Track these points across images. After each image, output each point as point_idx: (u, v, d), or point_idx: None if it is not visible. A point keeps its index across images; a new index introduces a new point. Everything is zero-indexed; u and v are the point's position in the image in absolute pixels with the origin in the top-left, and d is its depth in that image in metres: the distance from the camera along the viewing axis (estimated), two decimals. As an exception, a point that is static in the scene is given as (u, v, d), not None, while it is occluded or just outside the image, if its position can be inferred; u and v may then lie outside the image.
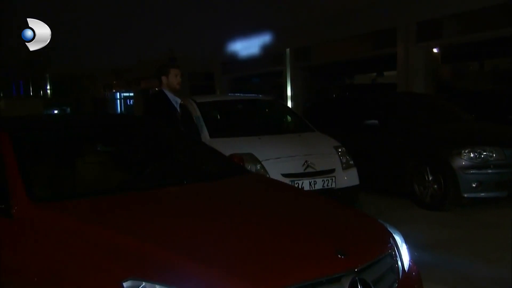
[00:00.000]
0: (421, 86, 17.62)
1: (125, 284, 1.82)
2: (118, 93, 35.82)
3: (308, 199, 2.85)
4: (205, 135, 5.33)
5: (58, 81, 37.52)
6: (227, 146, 5.14)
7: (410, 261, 2.60)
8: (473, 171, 5.38)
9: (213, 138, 5.30)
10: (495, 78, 17.03)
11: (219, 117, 6.08)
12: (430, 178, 5.85)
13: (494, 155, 5.34)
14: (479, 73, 18.17)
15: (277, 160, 5.03)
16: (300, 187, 4.96)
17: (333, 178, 5.07)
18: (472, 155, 5.40)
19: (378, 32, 19.11)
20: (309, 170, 5.03)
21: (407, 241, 2.68)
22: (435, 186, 5.79)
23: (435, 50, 18.28)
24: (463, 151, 5.44)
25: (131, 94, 34.11)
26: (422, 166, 5.95)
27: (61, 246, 2.07)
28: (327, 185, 5.06)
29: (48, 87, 39.27)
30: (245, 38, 26.24)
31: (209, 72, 28.84)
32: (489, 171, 5.33)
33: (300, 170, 5.00)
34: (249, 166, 5.00)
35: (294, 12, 22.25)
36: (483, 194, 5.38)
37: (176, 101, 4.51)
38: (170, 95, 4.47)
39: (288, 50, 23.46)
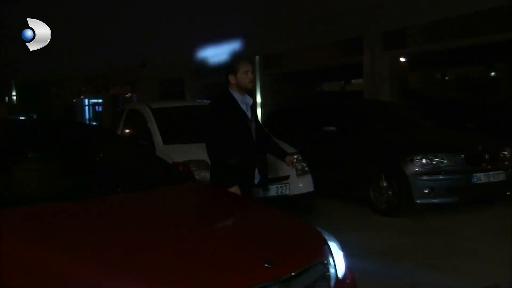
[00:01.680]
0: (387, 93, 17.93)
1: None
2: (86, 100, 35.23)
3: (244, 208, 2.80)
4: (158, 141, 5.24)
5: (25, 87, 36.68)
6: (180, 153, 5.08)
7: (346, 268, 2.58)
8: (425, 178, 5.45)
9: (167, 145, 5.21)
10: (458, 86, 17.52)
11: (174, 123, 5.99)
12: (385, 185, 5.90)
13: (445, 161, 5.43)
14: (442, 81, 18.67)
15: (231, 167, 4.95)
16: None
17: (287, 185, 5.05)
18: (424, 161, 5.48)
19: (345, 41, 19.41)
20: (263, 176, 4.98)
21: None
22: (390, 192, 5.85)
23: (402, 59, 18.69)
24: (415, 158, 5.51)
25: (100, 100, 33.59)
26: (377, 172, 6.00)
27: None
28: (281, 192, 5.03)
29: (14, 93, 38.33)
30: (216, 45, 26.25)
31: (180, 78, 28.70)
32: (441, 177, 5.41)
33: (254, 176, 4.94)
34: (202, 173, 4.94)
35: (263, 20, 22.37)
36: (435, 200, 5.45)
37: (247, 102, 3.83)
38: (238, 96, 3.77)
39: (257, 57, 23.57)
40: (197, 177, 4.79)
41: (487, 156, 5.52)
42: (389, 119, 7.30)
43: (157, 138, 5.27)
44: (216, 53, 26.40)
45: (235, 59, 3.90)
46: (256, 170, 3.78)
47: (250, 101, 3.81)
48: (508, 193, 5.78)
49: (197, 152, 5.11)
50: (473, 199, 5.58)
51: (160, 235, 2.17)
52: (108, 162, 3.13)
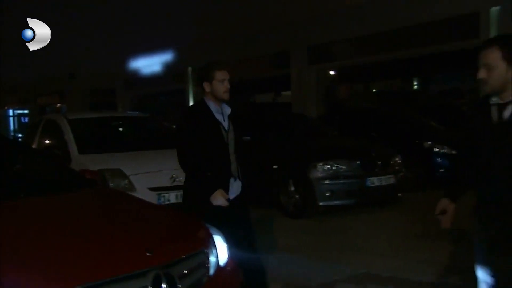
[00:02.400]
0: (313, 105, 18.86)
1: None
2: (11, 110, 33.72)
3: (137, 207, 3.11)
4: (74, 151, 5.39)
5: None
6: (96, 162, 5.25)
7: (229, 258, 2.95)
8: (327, 182, 6.01)
9: (82, 154, 5.38)
10: (380, 98, 18.76)
11: (91, 133, 6.14)
12: (293, 189, 6.41)
13: (344, 167, 6.03)
14: (367, 93, 19.82)
15: (145, 175, 5.22)
16: (167, 200, 5.20)
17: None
18: (325, 167, 6.04)
19: (274, 54, 20.21)
20: (177, 183, 5.27)
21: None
22: (297, 196, 6.36)
23: (332, 72, 19.74)
24: (318, 164, 6.06)
25: (26, 111, 32.30)
26: (286, 178, 6.50)
27: None
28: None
29: None
30: (148, 56, 26.17)
31: (111, 88, 28.24)
32: (340, 181, 5.99)
33: (167, 183, 5.23)
34: (116, 181, 5.17)
35: (196, 32, 22.65)
36: (335, 202, 6.02)
37: (224, 112, 3.47)
38: (213, 105, 3.42)
39: (190, 68, 23.81)
40: (111, 184, 5.00)
41: (379, 162, 6.18)
42: (298, 129, 7.88)
43: (73, 147, 5.41)
44: (148, 64, 26.36)
45: (211, 65, 3.41)
46: (235, 183, 3.46)
47: (228, 110, 3.48)
48: (399, 194, 6.48)
49: (113, 161, 5.33)
50: (368, 201, 6.21)
51: (54, 231, 2.44)
52: (11, 169, 3.29)
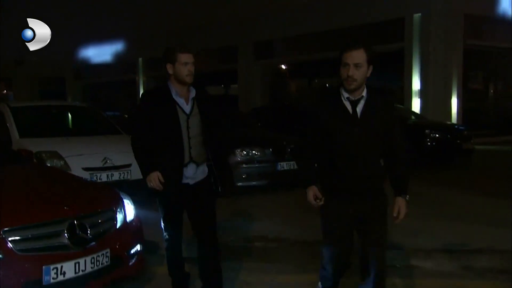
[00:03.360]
0: (258, 99, 19.83)
1: None
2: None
3: (61, 177, 3.90)
4: (15, 135, 6.01)
5: None
6: (35, 145, 5.93)
7: (135, 216, 3.78)
8: (244, 166, 6.92)
9: (22, 138, 6.02)
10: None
11: (31, 120, 6.75)
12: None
13: (258, 153, 6.96)
14: (307, 89, 20.85)
15: (79, 157, 5.90)
16: (99, 179, 5.95)
17: (129, 171, 6.13)
18: (243, 153, 6.95)
19: (223, 49, 21.00)
20: (108, 164, 6.02)
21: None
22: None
23: (283, 67, 20.73)
24: (236, 151, 6.96)
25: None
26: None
27: None
28: (123, 177, 6.09)
29: None
30: (99, 45, 26.20)
31: (61, 77, 28.01)
32: (255, 165, 6.92)
33: (99, 164, 5.94)
34: (53, 162, 5.88)
35: (146, 24, 22.98)
36: (251, 183, 6.93)
37: (188, 96, 3.24)
38: (175, 90, 3.21)
39: (140, 59, 24.11)
40: (48, 164, 5.69)
41: (289, 150, 7.14)
42: (227, 121, 8.67)
43: (14, 132, 6.04)
44: (99, 53, 26.45)
45: (175, 47, 3.25)
46: (197, 169, 3.30)
47: (193, 93, 3.26)
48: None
49: (50, 144, 6.00)
50: (279, 182, 7.14)
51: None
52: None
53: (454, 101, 14.54)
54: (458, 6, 14.01)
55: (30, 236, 2.90)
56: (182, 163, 3.25)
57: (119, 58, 25.18)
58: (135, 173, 6.02)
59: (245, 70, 20.28)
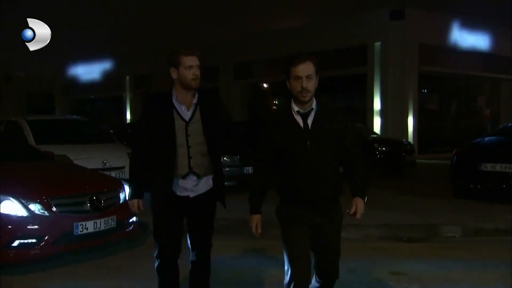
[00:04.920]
0: (238, 115, 21.37)
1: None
2: None
3: (79, 168, 5.47)
4: (32, 142, 7.45)
5: None
6: (49, 150, 7.42)
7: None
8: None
9: (38, 144, 7.45)
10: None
11: (44, 130, 8.19)
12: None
13: (228, 160, 8.48)
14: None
15: (84, 160, 7.35)
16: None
17: (124, 172, 7.57)
18: (216, 159, 8.46)
19: (205, 68, 22.31)
20: (106, 166, 7.51)
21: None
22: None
23: (265, 85, 22.17)
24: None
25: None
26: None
27: None
28: (119, 176, 7.51)
29: None
30: (88, 62, 27.38)
31: (49, 93, 28.96)
32: (226, 169, 8.42)
33: (100, 166, 7.40)
34: (63, 163, 7.37)
35: (133, 43, 24.26)
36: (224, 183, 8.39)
37: (190, 102, 3.02)
38: (178, 96, 3.00)
39: (128, 77, 25.29)
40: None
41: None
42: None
43: (31, 139, 7.46)
44: (88, 71, 27.60)
45: (178, 50, 3.06)
46: (199, 180, 3.00)
47: (196, 98, 3.04)
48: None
49: (60, 149, 7.43)
50: (244, 183, 8.56)
51: (36, 174, 4.70)
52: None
53: (410, 120, 16.24)
54: (413, 37, 15.85)
55: (65, 202, 4.28)
56: (172, 174, 2.95)
57: (106, 75, 26.29)
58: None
59: (225, 88, 21.74)
